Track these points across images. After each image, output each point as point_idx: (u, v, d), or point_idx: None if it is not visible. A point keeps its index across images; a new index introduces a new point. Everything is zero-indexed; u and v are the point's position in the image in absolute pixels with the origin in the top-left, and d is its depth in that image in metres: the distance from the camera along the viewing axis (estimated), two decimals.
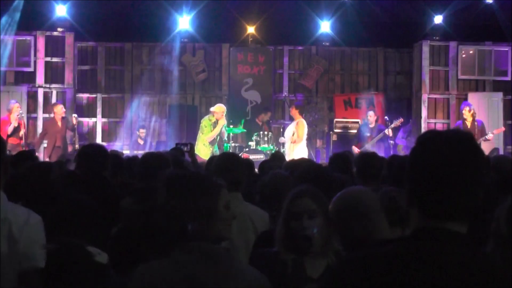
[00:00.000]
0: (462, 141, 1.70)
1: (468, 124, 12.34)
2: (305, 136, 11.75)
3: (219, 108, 11.53)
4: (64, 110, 12.48)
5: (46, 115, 14.10)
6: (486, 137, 12.24)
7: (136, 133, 14.08)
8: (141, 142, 13.80)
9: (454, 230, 1.67)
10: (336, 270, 1.77)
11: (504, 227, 2.44)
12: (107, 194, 4.18)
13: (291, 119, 12.23)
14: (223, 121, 11.45)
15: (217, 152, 11.67)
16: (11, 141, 11.76)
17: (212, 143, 11.52)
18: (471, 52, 14.65)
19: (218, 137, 11.69)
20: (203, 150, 11.38)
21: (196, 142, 11.57)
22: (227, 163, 4.11)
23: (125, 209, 3.24)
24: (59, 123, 12.28)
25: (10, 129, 11.75)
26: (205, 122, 11.63)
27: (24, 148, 11.59)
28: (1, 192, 2.64)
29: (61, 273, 2.34)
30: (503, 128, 13.10)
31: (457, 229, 1.68)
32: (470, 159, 1.68)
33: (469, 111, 12.33)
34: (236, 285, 2.28)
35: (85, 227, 2.74)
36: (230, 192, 4.00)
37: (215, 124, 11.46)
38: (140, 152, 12.41)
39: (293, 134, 11.63)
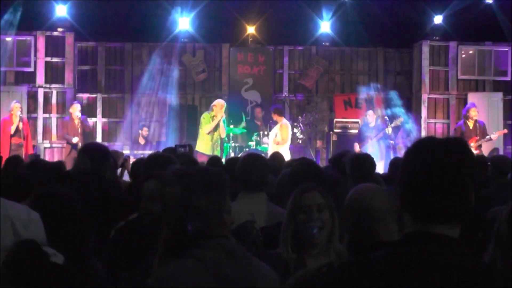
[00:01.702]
0: (453, 145, 1.71)
1: (470, 124, 12.34)
2: (289, 138, 11.84)
3: (218, 103, 11.78)
4: (78, 109, 12.49)
5: (46, 115, 14.13)
6: (491, 137, 12.22)
7: (138, 133, 14.09)
8: (142, 141, 13.78)
9: (444, 233, 1.68)
10: (329, 276, 1.80)
11: (505, 229, 2.44)
12: (104, 194, 4.16)
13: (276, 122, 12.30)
14: (221, 114, 11.59)
15: (218, 153, 11.73)
16: (13, 141, 11.84)
17: (210, 134, 11.61)
18: (471, 52, 14.65)
19: (218, 135, 11.75)
20: (203, 145, 11.54)
21: (197, 141, 11.73)
22: (253, 163, 4.13)
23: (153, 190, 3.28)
24: (75, 123, 12.33)
25: (12, 129, 11.79)
26: (203, 115, 11.95)
27: (22, 148, 11.67)
28: None
29: (17, 274, 2.32)
30: (505, 131, 13.03)
31: (448, 232, 1.69)
32: (460, 163, 1.69)
33: (473, 111, 12.36)
34: (257, 281, 2.29)
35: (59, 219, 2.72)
36: (254, 193, 3.94)
37: (213, 118, 11.64)
38: (140, 152, 12.43)
39: (275, 136, 11.77)
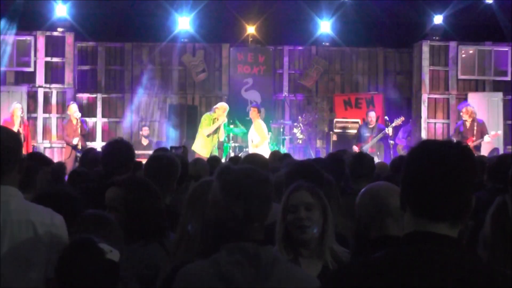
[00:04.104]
0: (456, 147, 1.74)
1: (468, 124, 12.27)
2: (267, 135, 11.85)
3: (221, 106, 11.72)
4: (75, 109, 12.50)
5: (46, 115, 14.13)
6: (484, 139, 12.10)
7: (139, 134, 14.09)
8: (146, 142, 13.76)
9: (444, 233, 1.69)
10: (331, 277, 1.80)
11: (489, 231, 2.45)
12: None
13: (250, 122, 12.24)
14: (223, 118, 11.55)
15: (216, 153, 11.72)
16: None
17: (209, 136, 11.59)
18: (471, 52, 14.65)
19: (217, 138, 11.73)
20: (201, 146, 11.49)
21: (195, 140, 11.69)
22: (252, 163, 4.13)
23: (112, 199, 3.16)
24: (74, 124, 12.34)
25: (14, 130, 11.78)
26: (205, 116, 11.85)
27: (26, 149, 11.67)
28: (19, 192, 2.56)
29: (72, 271, 2.29)
30: (498, 134, 12.91)
31: (447, 232, 1.70)
32: (461, 163, 1.72)
33: (466, 112, 12.25)
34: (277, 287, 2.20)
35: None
36: None
37: (215, 120, 11.58)
38: (141, 152, 12.41)
39: (252, 141, 11.75)
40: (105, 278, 2.29)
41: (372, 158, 5.42)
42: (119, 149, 4.35)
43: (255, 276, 2.16)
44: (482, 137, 12.11)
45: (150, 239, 3.05)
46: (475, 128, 12.16)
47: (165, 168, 4.19)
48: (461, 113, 12.44)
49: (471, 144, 11.93)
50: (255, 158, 4.34)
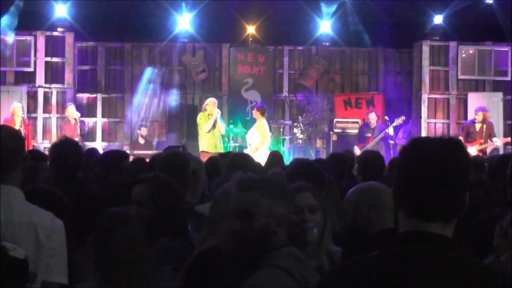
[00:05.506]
0: (449, 144, 1.71)
1: (477, 126, 12.20)
2: (269, 136, 11.87)
3: (209, 101, 11.88)
4: (73, 110, 12.53)
5: (46, 115, 14.13)
6: (495, 143, 12.05)
7: (136, 133, 14.09)
8: (142, 141, 13.77)
9: (438, 233, 1.68)
10: (327, 277, 1.80)
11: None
12: (81, 196, 4.05)
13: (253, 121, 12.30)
14: (216, 111, 11.72)
15: (221, 149, 11.74)
16: None
17: (210, 131, 11.68)
18: (471, 52, 14.64)
19: (218, 132, 11.78)
20: (206, 144, 11.64)
21: (199, 142, 11.78)
22: (239, 162, 4.12)
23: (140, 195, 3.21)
24: (72, 124, 12.36)
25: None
26: (199, 116, 11.99)
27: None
28: (21, 192, 2.54)
29: None
30: (509, 139, 12.88)
31: (441, 231, 1.68)
32: (455, 162, 1.69)
33: (482, 115, 12.15)
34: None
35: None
36: None
37: (209, 117, 11.74)
38: (140, 153, 12.41)
39: (250, 144, 11.77)
40: (9, 275, 2.29)
41: (383, 158, 5.40)
42: (68, 148, 4.38)
43: (310, 275, 2.27)
44: (489, 140, 12.04)
45: (176, 235, 3.10)
46: (485, 130, 12.10)
47: (179, 165, 4.19)
48: (476, 115, 12.36)
49: (478, 147, 11.86)
50: (243, 162, 4.31)
